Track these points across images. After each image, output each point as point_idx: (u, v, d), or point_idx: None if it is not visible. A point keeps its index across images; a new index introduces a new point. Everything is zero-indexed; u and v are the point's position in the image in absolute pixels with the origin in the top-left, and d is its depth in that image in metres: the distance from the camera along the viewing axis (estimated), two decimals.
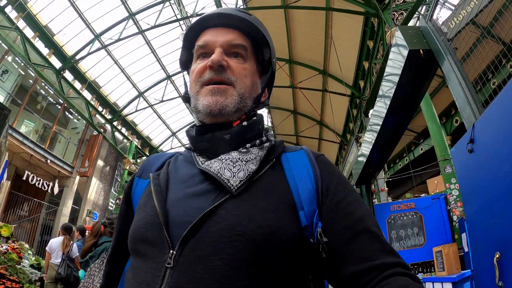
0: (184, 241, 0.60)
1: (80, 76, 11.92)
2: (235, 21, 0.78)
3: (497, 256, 1.59)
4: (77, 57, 11.27)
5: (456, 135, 8.91)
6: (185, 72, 0.88)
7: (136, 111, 13.08)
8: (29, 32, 10.80)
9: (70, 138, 13.28)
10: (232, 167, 0.67)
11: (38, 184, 11.31)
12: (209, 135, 0.74)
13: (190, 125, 0.84)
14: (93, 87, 12.09)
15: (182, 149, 0.88)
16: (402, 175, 9.20)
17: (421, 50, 2.48)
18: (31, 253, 7.42)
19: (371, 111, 5.37)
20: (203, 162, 0.72)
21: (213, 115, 0.72)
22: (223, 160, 0.69)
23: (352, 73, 10.00)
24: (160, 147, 16.35)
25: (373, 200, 8.05)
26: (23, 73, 12.49)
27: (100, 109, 12.86)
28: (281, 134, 15.72)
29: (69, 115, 13.73)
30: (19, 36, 10.31)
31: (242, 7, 9.65)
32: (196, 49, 0.79)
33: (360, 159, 5.55)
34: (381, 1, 7.91)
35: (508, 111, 1.50)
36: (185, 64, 0.86)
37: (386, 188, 8.62)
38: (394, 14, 7.50)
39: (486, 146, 1.66)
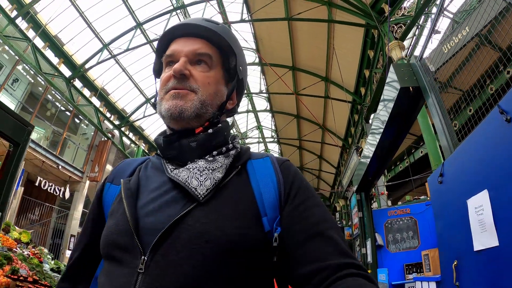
0: (154, 248, 0.64)
1: (89, 84, 12.40)
2: (201, 31, 0.81)
3: (455, 263, 2.06)
4: (86, 66, 11.74)
5: None
6: (156, 79, 0.92)
7: (144, 117, 13.57)
8: (39, 42, 11.26)
9: (79, 143, 13.78)
10: (199, 176, 0.71)
11: (50, 189, 11.80)
12: (177, 144, 0.77)
13: (161, 132, 0.88)
14: (101, 94, 12.57)
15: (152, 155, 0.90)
16: (400, 182, 9.62)
17: (410, 88, 2.93)
18: (50, 257, 7.88)
19: (371, 119, 5.82)
20: (172, 170, 0.75)
21: (174, 118, 0.76)
22: (190, 169, 0.73)
23: (353, 80, 10.41)
24: None
25: (372, 205, 8.54)
26: (33, 81, 13.01)
27: (108, 115, 13.34)
28: (285, 138, 16.23)
29: (78, 121, 14.25)
30: (29, 46, 10.76)
31: (247, 18, 10.10)
32: (164, 58, 0.84)
33: (359, 168, 6.01)
34: (380, 13, 8.34)
35: (465, 158, 1.98)
36: (158, 72, 0.90)
37: (386, 192, 9.06)
38: (393, 27, 7.93)
39: (451, 180, 2.12)
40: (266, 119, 16.98)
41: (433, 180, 2.39)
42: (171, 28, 0.84)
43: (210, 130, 0.78)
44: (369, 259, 5.64)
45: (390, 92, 3.14)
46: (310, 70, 11.60)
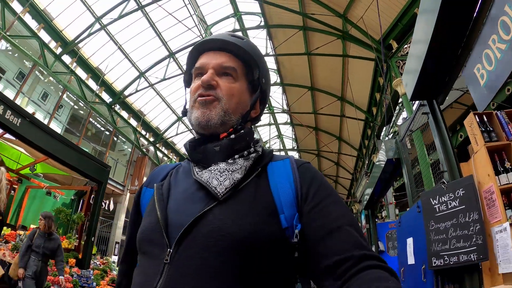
0: (178, 242, 0.73)
1: (127, 107, 14.43)
2: (227, 45, 0.92)
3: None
4: (125, 92, 13.75)
5: None
6: (188, 90, 1.00)
7: (177, 134, 15.58)
8: (81, 73, 13.23)
9: (118, 159, 15.90)
10: (219, 176, 0.80)
11: None
12: (202, 148, 0.87)
13: (189, 139, 0.95)
14: (138, 116, 14.60)
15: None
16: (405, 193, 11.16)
17: (393, 159, 4.65)
18: (114, 265, 9.81)
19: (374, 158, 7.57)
20: (197, 172, 0.84)
21: (202, 126, 0.86)
22: (212, 171, 0.82)
23: (366, 100, 12.02)
24: None
25: (382, 213, 10.30)
26: (75, 106, 15.13)
27: (143, 132, 15.38)
28: (304, 149, 18.02)
29: (115, 139, 16.36)
30: (72, 76, 12.68)
31: (271, 52, 11.84)
32: (194, 70, 0.95)
33: (366, 194, 7.74)
34: (389, 48, 9.89)
35: (408, 217, 3.69)
36: (188, 82, 1.00)
37: (394, 202, 10.64)
38: (399, 63, 9.50)
39: (403, 226, 3.82)
40: (287, 132, 18.84)
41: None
42: (200, 43, 0.95)
43: (232, 136, 0.87)
44: None
45: (381, 157, 4.90)
46: (327, 90, 13.27)
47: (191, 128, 0.92)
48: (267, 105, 1.10)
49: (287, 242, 0.74)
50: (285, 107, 15.87)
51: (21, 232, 7.91)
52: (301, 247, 0.74)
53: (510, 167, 2.52)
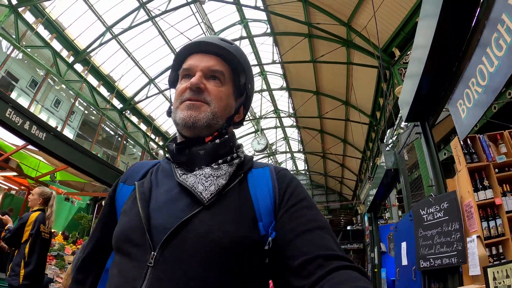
0: (163, 245, 0.73)
1: (137, 112, 15.01)
2: (217, 49, 0.94)
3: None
4: (136, 98, 14.32)
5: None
6: (173, 90, 1.01)
7: None
8: (93, 80, 13.71)
9: (128, 162, 16.51)
10: (205, 181, 0.82)
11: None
12: (187, 151, 0.89)
13: (172, 138, 0.98)
14: (148, 120, 15.20)
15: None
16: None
17: (392, 169, 5.15)
18: None
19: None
20: (180, 174, 0.86)
21: (187, 127, 0.87)
22: (197, 175, 0.84)
23: (370, 105, 12.49)
24: None
25: (385, 215, 10.77)
26: (86, 112, 15.77)
27: (152, 136, 15.98)
28: (310, 151, 18.55)
29: (126, 143, 16.97)
30: (83, 84, 13.15)
31: (278, 59, 12.35)
32: (181, 71, 0.96)
33: (369, 195, 8.25)
34: (391, 56, 10.34)
35: (402, 224, 4.19)
36: (173, 83, 1.02)
37: (397, 203, 11.10)
38: (402, 70, 9.95)
39: (399, 231, 4.31)
40: (293, 134, 19.38)
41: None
42: (188, 45, 0.97)
43: (217, 140, 0.90)
44: (376, 261, 7.94)
45: (380, 173, 5.44)
46: (332, 95, 13.75)
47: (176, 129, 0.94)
48: (250, 107, 1.11)
49: (262, 248, 0.76)
50: (291, 110, 16.39)
51: None
52: (272, 254, 0.77)
53: (487, 185, 3.00)
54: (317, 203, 21.80)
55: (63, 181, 11.40)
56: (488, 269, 2.14)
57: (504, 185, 2.97)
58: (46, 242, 4.02)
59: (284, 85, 14.85)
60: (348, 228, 17.80)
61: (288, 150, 20.71)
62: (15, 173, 10.16)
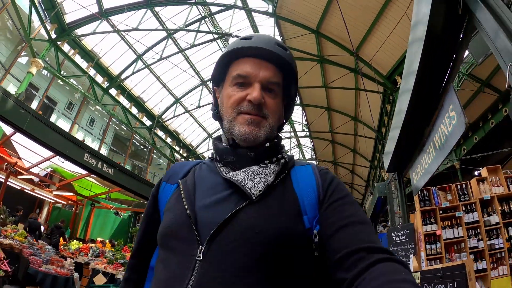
0: (211, 238, 0.77)
1: (163, 127, 17.28)
2: (274, 57, 0.94)
3: None
4: (164, 116, 16.57)
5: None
6: (214, 87, 1.05)
7: (208, 150, 18.43)
8: (124, 101, 15.81)
9: (155, 172, 18.82)
10: (254, 178, 0.86)
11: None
12: (236, 152, 0.93)
13: (216, 137, 1.03)
14: (173, 134, 17.48)
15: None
16: (409, 203, 13.67)
17: (383, 197, 7.19)
18: None
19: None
20: (226, 172, 0.90)
21: (248, 142, 0.91)
22: (246, 172, 0.88)
23: (376, 121, 14.44)
24: None
25: (383, 227, 12.77)
26: (117, 128, 18.06)
27: (177, 148, 18.24)
28: (322, 159, 20.71)
29: (153, 155, 19.28)
30: (116, 106, 15.30)
31: None
32: (235, 76, 0.94)
33: (370, 207, 10.30)
34: (394, 83, 12.25)
35: None
36: (217, 81, 1.02)
37: (400, 211, 13.01)
38: None
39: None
40: (307, 143, 21.59)
41: (380, 241, 6.62)
42: (243, 47, 0.94)
43: (267, 144, 0.93)
44: None
45: (373, 199, 7.48)
46: (342, 111, 15.76)
47: (225, 134, 0.98)
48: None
49: (310, 241, 0.80)
50: (304, 122, 18.49)
51: (92, 245, 10.50)
52: (320, 247, 0.80)
53: (433, 221, 5.03)
54: None
55: (115, 199, 13.78)
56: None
57: (444, 221, 4.97)
58: None
59: (298, 101, 16.91)
60: None
61: (301, 158, 22.92)
62: (71, 193, 12.63)
